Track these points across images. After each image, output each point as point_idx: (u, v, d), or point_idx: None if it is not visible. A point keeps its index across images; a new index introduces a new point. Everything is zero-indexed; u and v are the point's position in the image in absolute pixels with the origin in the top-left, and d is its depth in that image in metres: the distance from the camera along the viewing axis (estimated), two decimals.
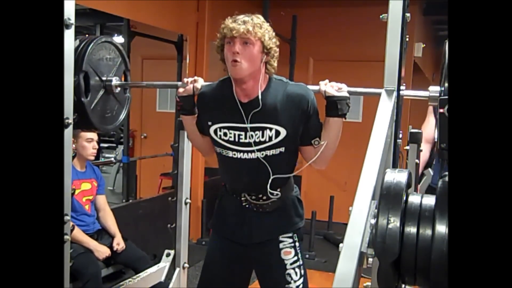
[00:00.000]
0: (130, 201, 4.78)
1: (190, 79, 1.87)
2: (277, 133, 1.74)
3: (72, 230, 1.66)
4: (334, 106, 1.72)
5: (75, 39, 1.73)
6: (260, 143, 1.76)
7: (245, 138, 1.77)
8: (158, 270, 2.50)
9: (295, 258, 1.88)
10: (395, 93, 1.43)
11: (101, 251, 2.79)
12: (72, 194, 1.70)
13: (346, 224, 1.06)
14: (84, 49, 1.86)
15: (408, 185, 1.03)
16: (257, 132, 1.75)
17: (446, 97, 1.01)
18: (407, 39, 1.47)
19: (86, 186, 2.91)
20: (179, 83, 1.92)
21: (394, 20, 1.41)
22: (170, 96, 5.83)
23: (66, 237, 1.58)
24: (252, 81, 1.73)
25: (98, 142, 3.01)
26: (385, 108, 1.39)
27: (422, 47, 5.37)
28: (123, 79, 2.18)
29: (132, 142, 5.74)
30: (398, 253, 0.96)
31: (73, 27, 1.52)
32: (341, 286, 0.97)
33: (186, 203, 2.33)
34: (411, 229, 0.98)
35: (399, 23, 1.41)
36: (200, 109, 1.88)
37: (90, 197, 2.93)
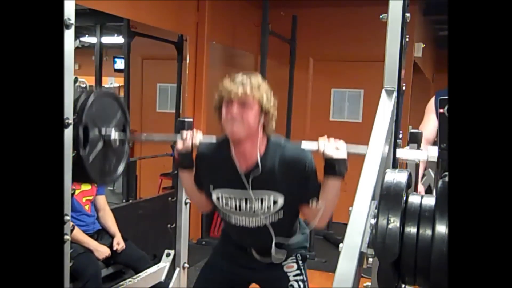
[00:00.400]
0: (130, 201, 4.79)
1: (188, 134, 1.86)
2: (275, 201, 1.76)
3: (72, 230, 1.66)
4: (332, 167, 1.70)
5: (75, 39, 1.73)
6: (260, 211, 1.78)
7: (246, 206, 1.79)
8: (158, 270, 2.50)
9: (298, 271, 1.90)
10: (395, 93, 1.42)
11: (101, 251, 2.80)
12: (72, 194, 1.69)
13: (346, 224, 1.06)
14: (84, 102, 1.87)
15: (408, 185, 1.03)
16: (256, 201, 1.77)
17: (446, 97, 1.01)
18: (407, 39, 1.47)
19: (86, 186, 2.91)
20: (178, 136, 1.93)
21: (394, 20, 1.41)
22: (170, 96, 5.84)
23: (66, 237, 1.58)
24: (250, 144, 1.73)
25: None
26: (385, 108, 1.39)
27: (422, 47, 5.37)
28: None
29: (132, 142, 5.74)
30: (398, 253, 0.96)
31: (73, 27, 1.52)
32: (341, 286, 0.97)
33: (186, 203, 2.33)
34: (411, 229, 0.98)
35: (399, 23, 1.41)
36: (200, 170, 1.89)
37: (90, 197, 2.93)
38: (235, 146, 1.75)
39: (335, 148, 1.67)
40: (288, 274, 1.89)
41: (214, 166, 1.84)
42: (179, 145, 1.86)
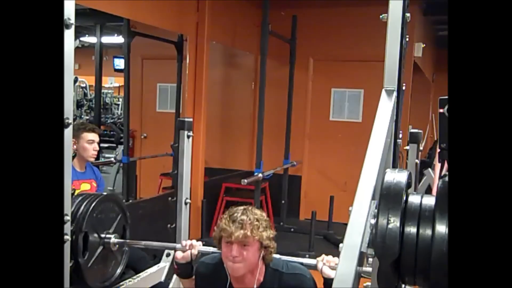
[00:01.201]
0: (130, 201, 4.79)
1: (188, 243, 1.89)
2: None
3: None
4: (331, 286, 1.71)
5: (75, 39, 1.73)
6: None
7: None
8: (158, 270, 2.50)
9: None
10: (395, 93, 1.42)
11: None
12: (72, 194, 1.70)
13: (346, 224, 1.06)
14: (85, 209, 1.87)
15: (408, 185, 1.03)
16: None
17: (446, 97, 1.01)
18: (407, 39, 1.46)
19: (85, 186, 2.91)
20: (178, 245, 1.94)
21: (394, 20, 1.41)
22: (170, 96, 5.84)
23: (66, 237, 1.58)
24: (250, 275, 1.76)
25: (99, 143, 3.01)
26: (385, 108, 1.39)
27: (422, 47, 5.37)
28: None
29: (132, 142, 5.74)
30: (398, 253, 0.96)
31: (73, 27, 1.52)
32: (341, 286, 0.97)
33: (186, 203, 2.33)
34: (411, 229, 0.98)
35: (399, 23, 1.40)
36: (198, 287, 1.92)
37: None
38: (234, 278, 1.78)
39: (332, 267, 1.70)
40: None
41: None
42: (178, 255, 1.91)
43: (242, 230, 1.67)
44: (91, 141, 2.85)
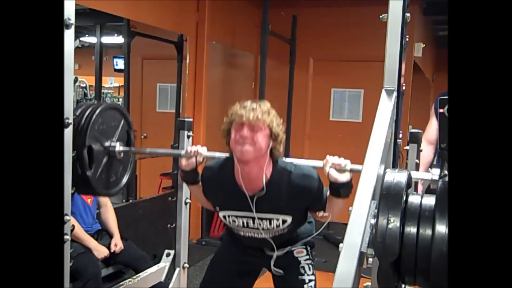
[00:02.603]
0: (130, 201, 4.78)
1: (193, 150, 1.87)
2: (284, 221, 1.80)
3: (72, 230, 1.66)
4: (337, 190, 1.71)
5: (75, 39, 1.73)
6: (268, 229, 1.82)
7: (253, 224, 1.82)
8: (158, 270, 2.51)
9: (307, 256, 1.96)
10: (395, 93, 1.42)
11: (100, 250, 2.80)
12: (72, 194, 1.70)
13: (346, 224, 1.06)
14: (86, 122, 1.86)
15: (408, 185, 1.03)
16: (264, 221, 1.81)
17: (446, 97, 1.01)
18: (407, 39, 1.47)
19: None
20: (182, 152, 1.92)
21: (394, 20, 1.41)
22: (170, 96, 5.84)
23: (66, 237, 1.58)
24: (257, 167, 1.74)
25: None
26: (385, 108, 1.39)
27: (422, 47, 5.37)
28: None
29: (133, 144, 5.73)
30: (398, 253, 0.96)
31: (73, 27, 1.52)
32: (341, 286, 0.97)
33: (186, 203, 2.33)
34: (411, 229, 0.98)
35: (399, 23, 1.41)
36: (206, 191, 1.93)
37: None
38: (241, 168, 1.76)
39: (339, 168, 1.67)
40: (299, 258, 1.95)
41: (219, 190, 1.87)
42: (183, 162, 1.88)
43: (253, 113, 1.68)
44: None
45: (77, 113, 1.82)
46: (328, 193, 1.75)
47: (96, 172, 1.92)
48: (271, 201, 1.76)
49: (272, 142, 1.74)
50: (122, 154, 2.03)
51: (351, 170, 1.68)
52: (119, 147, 2.01)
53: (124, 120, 2.10)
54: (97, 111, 1.88)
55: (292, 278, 1.91)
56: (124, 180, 2.13)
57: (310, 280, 1.91)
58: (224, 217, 1.86)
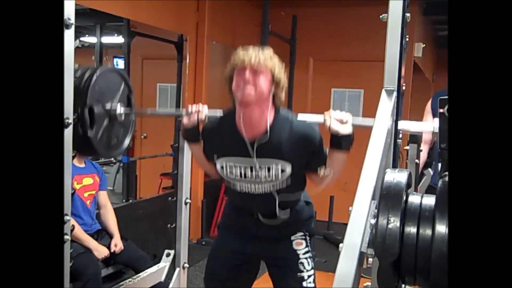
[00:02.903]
0: (130, 201, 4.79)
1: (194, 108, 1.86)
2: (284, 169, 1.78)
3: (72, 231, 1.66)
4: (338, 142, 1.70)
5: (75, 39, 1.73)
6: (267, 179, 1.80)
7: (252, 173, 1.80)
8: (158, 270, 2.51)
9: (306, 249, 1.94)
10: (395, 93, 1.42)
11: (100, 251, 2.79)
12: (72, 194, 1.69)
13: (346, 224, 1.06)
14: (87, 83, 1.86)
15: (408, 185, 1.03)
16: (263, 169, 1.78)
17: (446, 97, 1.01)
18: (407, 39, 1.47)
19: (88, 181, 2.90)
20: (183, 111, 1.92)
21: (394, 20, 1.41)
22: (170, 96, 5.84)
23: (66, 237, 1.58)
24: (259, 111, 1.74)
25: None
26: (385, 108, 1.39)
27: (422, 47, 5.37)
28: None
29: (132, 142, 5.73)
30: (398, 253, 0.96)
31: (73, 27, 1.52)
32: (341, 286, 0.97)
33: (186, 203, 2.33)
34: (411, 229, 0.98)
35: (399, 23, 1.41)
36: (205, 141, 1.92)
37: (93, 192, 2.92)
38: (243, 112, 1.76)
39: (341, 122, 1.67)
40: (298, 252, 1.92)
41: (219, 136, 1.85)
42: (185, 120, 1.87)
43: (255, 57, 1.69)
44: None
45: (77, 75, 1.83)
46: (328, 149, 1.75)
47: (98, 133, 1.93)
48: (271, 146, 1.75)
49: (274, 88, 1.74)
50: (123, 117, 2.04)
51: (352, 124, 1.69)
52: (120, 108, 2.02)
53: (125, 84, 2.11)
54: (97, 73, 1.89)
55: (291, 275, 1.90)
56: (126, 143, 2.15)
57: (309, 276, 1.91)
58: (222, 167, 1.84)
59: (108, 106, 1.97)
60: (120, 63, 6.18)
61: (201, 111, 1.85)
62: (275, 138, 1.75)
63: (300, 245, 1.93)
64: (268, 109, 1.75)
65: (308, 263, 1.92)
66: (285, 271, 1.92)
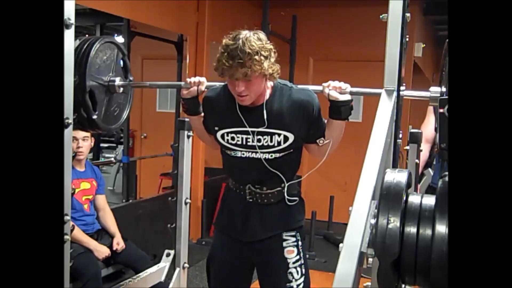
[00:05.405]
0: (130, 201, 4.78)
1: (193, 80, 1.87)
2: (286, 138, 1.78)
3: (72, 230, 1.66)
4: (338, 110, 1.73)
5: (75, 39, 1.74)
6: (269, 147, 1.80)
7: (253, 141, 1.80)
8: (158, 270, 2.51)
9: (298, 257, 1.90)
10: (395, 93, 1.42)
11: (101, 251, 2.79)
12: (72, 194, 1.70)
13: (346, 224, 1.06)
14: (86, 52, 1.88)
15: (408, 185, 1.03)
16: (265, 136, 1.78)
17: (446, 97, 1.01)
18: (407, 39, 1.47)
19: (85, 185, 2.91)
20: (182, 83, 1.93)
21: (394, 20, 1.41)
22: (170, 96, 5.83)
23: (66, 237, 1.58)
24: (257, 97, 1.76)
25: (98, 142, 3.00)
26: (385, 108, 1.39)
27: (422, 47, 5.37)
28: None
29: (132, 142, 5.73)
30: (398, 253, 0.96)
31: (73, 27, 1.52)
32: (341, 286, 0.97)
33: (186, 203, 2.33)
34: (411, 229, 0.98)
35: (399, 23, 1.41)
36: (206, 113, 1.91)
37: (90, 197, 2.93)
38: None
39: (339, 88, 1.70)
40: (288, 260, 1.89)
41: (221, 109, 1.85)
42: (184, 91, 1.87)
43: (242, 69, 1.62)
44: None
45: (77, 43, 1.91)
46: (327, 120, 1.78)
47: (100, 113, 1.99)
48: (272, 117, 1.76)
49: (267, 78, 1.73)
50: (121, 89, 2.07)
51: (351, 93, 1.70)
52: (118, 81, 2.04)
53: (117, 49, 2.14)
54: (92, 53, 1.94)
55: (280, 285, 1.88)
56: (125, 113, 2.19)
57: (298, 285, 1.88)
58: (223, 136, 1.83)
59: (105, 79, 2.02)
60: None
61: (201, 82, 1.86)
62: (275, 109, 1.77)
63: (291, 253, 1.90)
64: (265, 90, 1.76)
65: (298, 272, 1.89)
66: (274, 279, 1.90)
